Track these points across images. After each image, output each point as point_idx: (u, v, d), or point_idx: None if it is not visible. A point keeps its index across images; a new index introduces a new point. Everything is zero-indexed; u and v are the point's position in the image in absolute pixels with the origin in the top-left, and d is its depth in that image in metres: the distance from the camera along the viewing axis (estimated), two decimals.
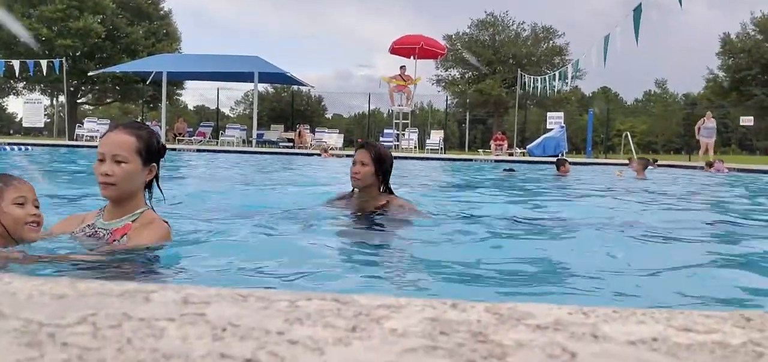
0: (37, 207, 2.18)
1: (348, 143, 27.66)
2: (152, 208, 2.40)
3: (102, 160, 2.22)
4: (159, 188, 2.43)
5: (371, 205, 3.55)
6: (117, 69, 28.14)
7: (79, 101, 41.64)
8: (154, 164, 2.35)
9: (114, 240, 2.26)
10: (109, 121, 25.71)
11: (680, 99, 76.73)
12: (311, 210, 3.78)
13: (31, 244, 2.15)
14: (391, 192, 3.67)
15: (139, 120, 27.26)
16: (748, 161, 21.73)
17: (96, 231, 2.32)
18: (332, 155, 16.99)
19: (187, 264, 2.23)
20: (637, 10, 10.76)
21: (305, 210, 3.80)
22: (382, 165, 3.56)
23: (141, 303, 0.74)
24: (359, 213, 3.54)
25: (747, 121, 30.01)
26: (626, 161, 16.06)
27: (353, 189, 3.70)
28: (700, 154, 19.10)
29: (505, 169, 11.89)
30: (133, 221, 2.29)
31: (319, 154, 17.06)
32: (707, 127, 19.56)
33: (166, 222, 2.36)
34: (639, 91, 78.42)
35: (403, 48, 21.65)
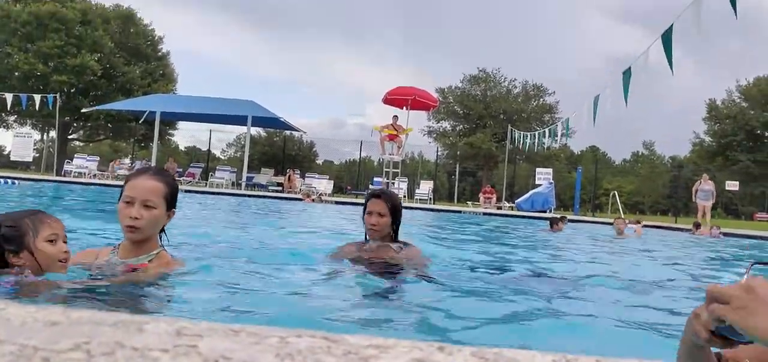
0: (65, 242, 2.22)
1: (337, 190, 27.68)
2: (165, 248, 2.48)
3: (130, 203, 2.30)
4: (165, 235, 2.53)
5: (387, 254, 3.47)
6: (111, 107, 28.27)
7: (70, 137, 41.56)
8: (174, 209, 2.46)
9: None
10: (98, 158, 25.65)
11: (667, 161, 77.84)
12: (322, 257, 3.70)
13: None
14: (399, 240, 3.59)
15: (130, 158, 27.24)
16: (734, 225, 21.94)
17: (113, 267, 2.39)
18: (314, 200, 17.16)
19: (180, 299, 2.23)
20: (627, 73, 10.99)
21: (315, 256, 3.73)
22: (398, 215, 3.51)
23: (134, 334, 0.75)
24: (375, 261, 3.44)
25: (733, 185, 30.48)
26: (611, 221, 16.19)
27: (366, 239, 3.59)
28: (699, 217, 18.87)
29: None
30: (149, 261, 2.37)
31: (302, 199, 17.16)
32: (703, 190, 19.36)
33: (182, 262, 2.48)
34: (627, 152, 79.49)
35: (397, 98, 21.93)
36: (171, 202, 2.42)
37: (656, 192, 70.39)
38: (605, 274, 4.41)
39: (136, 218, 2.28)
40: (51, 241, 2.15)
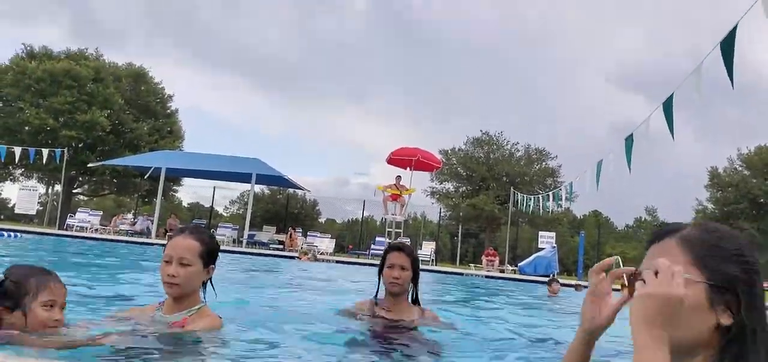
0: (63, 308, 2.27)
1: (339, 249, 27.55)
2: (207, 304, 2.61)
3: (168, 262, 2.47)
4: (212, 286, 2.66)
5: (406, 315, 3.34)
6: (118, 162, 28.54)
7: (74, 191, 41.78)
8: (213, 265, 2.61)
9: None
10: (101, 213, 25.71)
11: None
12: (336, 316, 3.57)
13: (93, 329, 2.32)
14: (418, 302, 3.46)
15: (132, 213, 27.30)
16: None
17: (155, 322, 2.53)
18: (309, 259, 17.14)
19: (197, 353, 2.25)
20: (629, 140, 11.09)
21: (328, 316, 3.61)
22: (418, 270, 3.40)
23: None
24: (393, 323, 3.28)
25: None
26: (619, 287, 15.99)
27: (377, 296, 3.42)
28: None
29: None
30: (190, 315, 2.51)
31: (299, 257, 17.11)
32: None
33: (220, 317, 2.58)
34: (630, 217, 79.29)
35: (400, 159, 22.10)
36: (208, 260, 2.56)
37: None
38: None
39: (173, 275, 2.45)
40: (47, 307, 2.19)
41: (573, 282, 17.29)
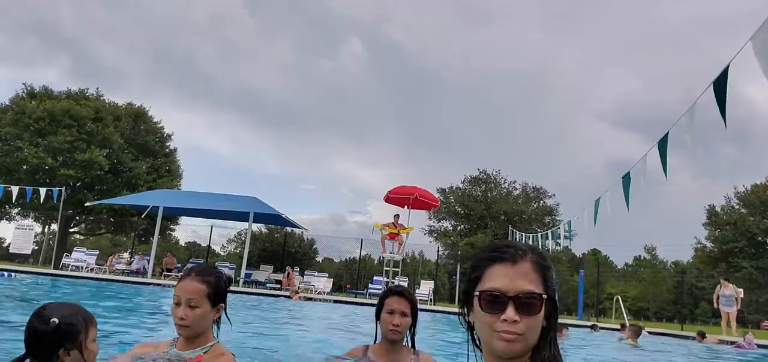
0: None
1: (337, 288, 27.34)
2: (219, 342, 2.68)
3: (178, 304, 2.56)
4: (227, 316, 2.73)
5: (403, 360, 3.20)
6: (115, 201, 28.46)
7: (71, 230, 41.61)
8: (222, 303, 2.68)
9: None
10: (97, 252, 25.57)
11: (670, 266, 77.19)
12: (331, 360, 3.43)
13: None
14: (414, 345, 3.30)
15: (129, 253, 27.15)
16: (741, 334, 21.37)
17: (170, 359, 2.60)
18: (300, 298, 17.14)
19: None
20: (626, 178, 11.13)
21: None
22: (417, 316, 3.25)
23: None
24: None
25: (738, 293, 30.01)
26: (619, 327, 15.89)
27: (372, 344, 3.28)
28: (723, 326, 17.54)
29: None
30: (204, 353, 2.58)
31: (290, 297, 17.04)
32: (725, 295, 17.82)
33: (233, 355, 2.64)
34: (629, 256, 79.04)
35: (398, 197, 22.11)
36: (216, 299, 2.63)
37: (660, 297, 69.42)
38: None
39: (183, 317, 2.54)
40: (94, 339, 2.23)
41: (589, 323, 17.09)
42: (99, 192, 37.77)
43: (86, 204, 31.41)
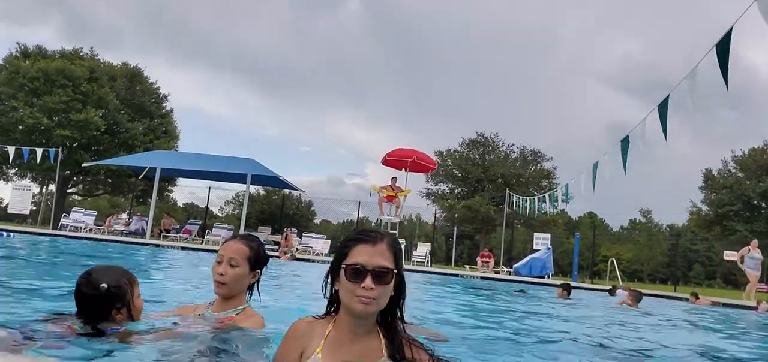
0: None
1: (334, 249, 27.42)
2: (250, 307, 2.86)
3: (220, 262, 2.75)
4: (258, 291, 2.92)
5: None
6: (112, 162, 28.42)
7: (68, 191, 41.60)
8: (259, 270, 2.87)
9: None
10: (95, 213, 25.61)
11: (665, 229, 77.75)
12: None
13: (154, 323, 2.61)
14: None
15: (127, 213, 27.20)
16: (733, 296, 21.70)
17: (205, 319, 2.80)
18: (288, 258, 17.36)
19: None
20: (625, 141, 11.10)
21: None
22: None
23: None
24: None
25: (731, 255, 30.26)
26: (609, 287, 16.08)
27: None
28: (747, 289, 16.87)
29: (516, 291, 11.88)
30: (236, 314, 2.76)
31: (279, 256, 17.21)
32: (753, 257, 17.01)
33: (263, 317, 2.80)
34: (625, 219, 79.48)
35: (396, 160, 22.08)
36: (255, 264, 2.83)
37: (655, 260, 70.11)
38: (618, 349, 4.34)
39: (222, 274, 2.72)
40: (139, 295, 2.55)
41: (608, 286, 17.10)
42: (95, 153, 37.67)
43: (83, 164, 31.34)
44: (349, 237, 2.08)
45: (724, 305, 14.53)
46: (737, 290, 46.12)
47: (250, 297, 2.88)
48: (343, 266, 1.99)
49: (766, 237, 37.01)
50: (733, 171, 41.62)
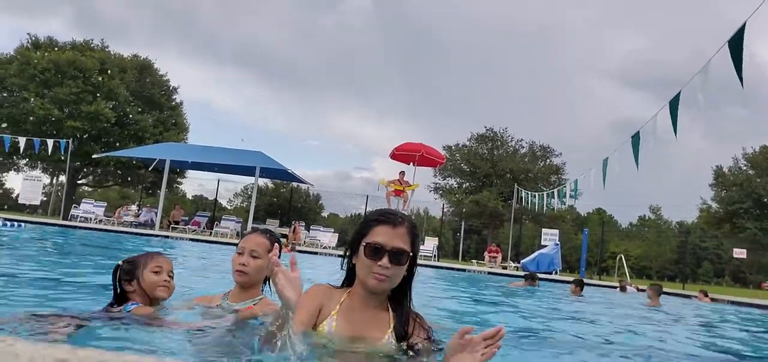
0: (171, 277, 2.83)
1: (341, 243, 27.56)
2: (266, 297, 2.98)
3: (241, 254, 2.90)
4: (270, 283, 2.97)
5: None
6: (122, 153, 28.52)
7: (79, 182, 41.88)
8: None
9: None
10: (105, 204, 25.77)
11: (674, 226, 77.29)
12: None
13: (172, 313, 2.76)
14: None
15: (137, 205, 27.34)
16: (741, 294, 21.57)
17: (222, 309, 2.90)
18: (289, 250, 17.33)
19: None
20: (636, 137, 11.05)
21: None
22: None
23: None
24: None
25: (740, 253, 30.12)
26: (617, 284, 16.04)
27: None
28: None
29: (527, 278, 11.76)
30: (254, 304, 2.88)
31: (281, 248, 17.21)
32: None
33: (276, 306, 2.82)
34: (634, 215, 79.08)
35: (404, 154, 22.04)
36: None
37: (663, 257, 69.73)
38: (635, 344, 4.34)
39: (244, 264, 2.86)
40: (155, 272, 2.75)
41: (615, 282, 17.07)
42: (106, 145, 37.86)
43: (93, 156, 31.53)
44: (371, 216, 2.21)
45: (731, 302, 14.47)
46: (745, 288, 45.80)
47: (263, 290, 3.01)
48: (364, 243, 2.13)
49: None
50: (744, 168, 41.27)
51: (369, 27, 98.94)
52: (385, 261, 2.08)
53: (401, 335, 2.15)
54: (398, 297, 2.21)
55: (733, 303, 14.45)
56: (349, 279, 2.28)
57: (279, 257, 2.93)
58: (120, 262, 2.76)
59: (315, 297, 2.21)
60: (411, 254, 2.14)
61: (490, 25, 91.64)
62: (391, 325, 2.16)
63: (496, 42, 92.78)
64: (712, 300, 14.29)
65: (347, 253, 2.25)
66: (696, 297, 14.36)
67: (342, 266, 2.28)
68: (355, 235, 2.22)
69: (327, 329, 2.15)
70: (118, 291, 2.73)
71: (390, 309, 2.20)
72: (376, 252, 2.09)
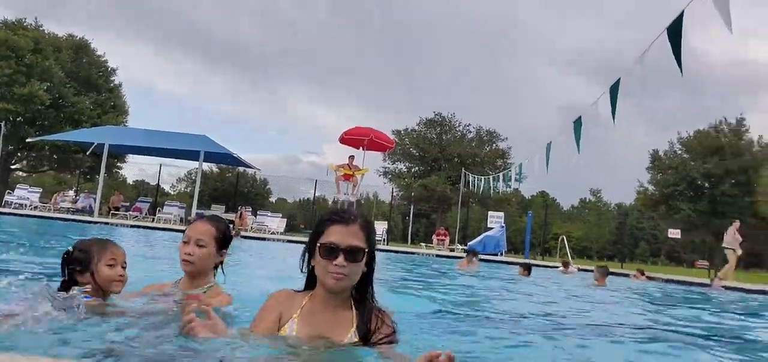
0: (124, 268, 2.69)
1: (290, 228, 27.32)
2: (217, 285, 2.96)
3: (187, 243, 2.85)
4: (222, 270, 3.05)
5: None
6: (58, 137, 27.29)
7: (12, 167, 39.89)
8: (225, 250, 2.99)
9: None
10: (40, 189, 24.69)
11: (613, 208, 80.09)
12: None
13: (119, 302, 2.67)
14: None
15: (74, 191, 26.27)
16: (675, 272, 22.64)
17: (172, 296, 2.86)
18: (234, 235, 17.04)
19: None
20: (578, 122, 11.30)
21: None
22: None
23: None
24: None
25: (675, 233, 31.51)
26: (560, 264, 16.53)
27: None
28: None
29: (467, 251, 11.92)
30: (204, 292, 2.85)
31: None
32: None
33: (230, 295, 2.91)
34: (575, 198, 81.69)
35: (353, 138, 22.00)
36: (222, 244, 2.94)
37: (603, 238, 72.39)
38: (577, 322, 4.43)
39: (190, 254, 2.82)
40: (110, 265, 2.62)
41: (558, 262, 17.50)
42: (40, 128, 36.12)
43: (28, 139, 30.03)
44: (324, 217, 2.23)
45: (666, 280, 15.14)
46: (680, 267, 48.05)
47: (215, 277, 2.98)
48: (319, 244, 2.15)
49: (707, 217, 38.70)
50: (679, 152, 43.08)
51: (319, 9, 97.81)
52: (340, 259, 2.10)
53: (364, 333, 2.14)
54: (361, 295, 2.23)
55: (668, 281, 15.13)
56: (311, 282, 2.26)
57: (230, 244, 3.01)
58: (70, 249, 2.63)
59: (274, 307, 2.21)
60: (367, 250, 2.16)
61: (441, 10, 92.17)
62: (354, 324, 2.16)
63: (445, 28, 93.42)
64: (649, 278, 14.94)
65: (306, 256, 2.25)
66: (633, 275, 14.95)
67: (301, 269, 2.28)
68: (311, 237, 2.23)
69: (287, 333, 2.15)
70: (67, 278, 2.60)
71: (353, 308, 2.20)
72: (330, 251, 2.11)
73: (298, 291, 2.28)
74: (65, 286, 2.57)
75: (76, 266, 2.60)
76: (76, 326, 2.20)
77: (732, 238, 16.25)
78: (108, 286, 2.63)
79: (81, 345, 2.01)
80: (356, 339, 2.14)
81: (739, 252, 16.26)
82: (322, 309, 2.19)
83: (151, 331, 2.23)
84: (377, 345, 2.13)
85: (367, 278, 2.24)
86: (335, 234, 2.13)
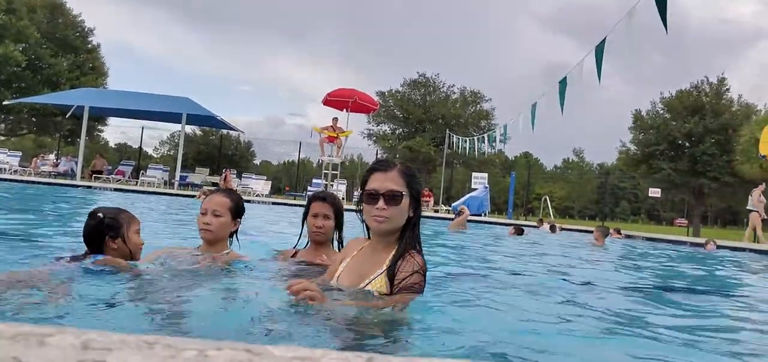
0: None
1: (275, 190, 27.25)
2: (233, 250, 3.24)
3: (204, 214, 3.13)
4: (237, 238, 3.32)
5: (319, 257, 3.37)
6: (36, 100, 26.72)
7: None
8: (239, 219, 3.26)
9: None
10: (20, 153, 24.30)
11: (595, 168, 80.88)
12: (260, 263, 3.36)
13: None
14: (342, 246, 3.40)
15: (55, 154, 25.87)
16: (655, 230, 23.05)
17: (194, 257, 3.10)
18: (201, 197, 16.94)
19: (93, 309, 2.08)
20: (563, 82, 11.32)
21: (251, 262, 3.30)
22: (341, 219, 3.45)
23: (34, 347, 0.69)
24: (317, 265, 3.27)
25: (655, 192, 31.99)
26: (536, 222, 16.79)
27: (304, 245, 3.49)
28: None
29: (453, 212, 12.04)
30: (222, 257, 3.09)
31: (197, 196, 16.85)
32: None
33: (248, 256, 3.20)
34: (558, 159, 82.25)
35: (337, 100, 21.83)
36: (236, 213, 3.22)
37: (585, 197, 73.27)
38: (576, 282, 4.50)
39: (208, 223, 3.09)
40: (137, 233, 2.81)
41: (543, 222, 17.63)
42: (18, 91, 35.33)
43: (4, 102, 29.39)
44: (368, 168, 2.46)
45: (646, 239, 15.44)
46: (659, 225, 48.85)
47: (231, 243, 3.24)
48: (363, 192, 2.39)
49: (689, 176, 39.25)
50: (661, 112, 43.34)
51: None
52: (380, 203, 2.30)
53: (392, 273, 2.30)
54: (404, 237, 2.39)
55: (648, 239, 15.41)
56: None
57: (243, 213, 3.30)
58: (100, 215, 2.70)
59: (342, 254, 2.59)
60: (406, 194, 2.35)
61: None
62: (386, 264, 2.33)
63: None
64: (627, 236, 15.22)
65: (359, 207, 2.44)
66: (611, 233, 15.19)
67: (360, 219, 2.47)
68: (360, 186, 2.47)
69: (337, 275, 2.47)
70: (94, 246, 2.67)
71: (395, 251, 2.37)
72: (371, 197, 2.33)
73: (366, 240, 2.52)
74: (94, 253, 2.66)
75: (111, 233, 2.69)
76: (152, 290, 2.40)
77: (757, 201, 16.51)
78: (137, 254, 2.80)
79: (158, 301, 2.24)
80: (384, 278, 2.30)
81: (764, 215, 16.56)
82: (371, 253, 2.42)
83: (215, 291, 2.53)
84: (399, 285, 2.26)
85: (413, 223, 2.41)
86: (376, 181, 2.34)
